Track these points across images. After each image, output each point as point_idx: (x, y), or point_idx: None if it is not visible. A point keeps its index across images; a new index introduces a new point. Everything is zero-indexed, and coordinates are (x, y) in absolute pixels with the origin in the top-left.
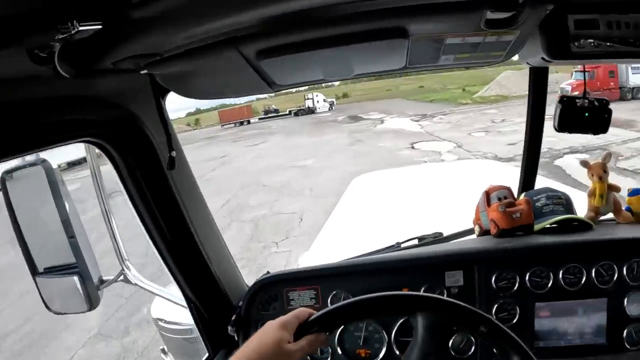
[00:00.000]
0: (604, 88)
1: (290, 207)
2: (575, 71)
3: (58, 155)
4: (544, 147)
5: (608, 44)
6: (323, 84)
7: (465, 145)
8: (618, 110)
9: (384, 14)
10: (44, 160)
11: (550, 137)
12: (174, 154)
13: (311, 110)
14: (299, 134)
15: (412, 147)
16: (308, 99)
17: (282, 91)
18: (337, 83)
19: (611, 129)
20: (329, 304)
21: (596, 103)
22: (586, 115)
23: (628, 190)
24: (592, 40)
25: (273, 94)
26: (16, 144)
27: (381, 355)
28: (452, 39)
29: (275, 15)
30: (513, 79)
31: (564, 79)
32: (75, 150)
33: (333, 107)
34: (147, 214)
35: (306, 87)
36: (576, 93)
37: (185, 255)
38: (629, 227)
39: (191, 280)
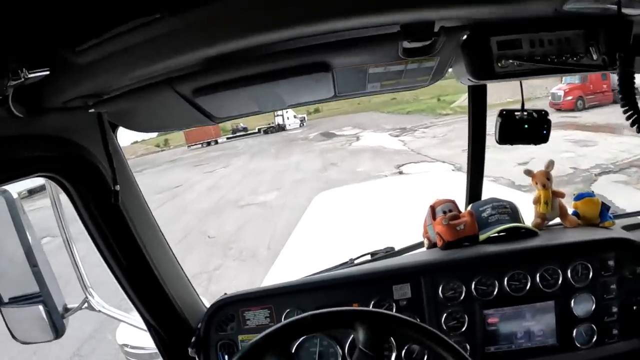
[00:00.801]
0: (597, 91)
1: (235, 282)
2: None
3: (19, 183)
4: (569, 168)
5: (531, 62)
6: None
7: (465, 167)
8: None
9: (307, 51)
10: (4, 191)
11: (568, 153)
12: (117, 188)
13: (281, 128)
14: (265, 155)
15: (400, 172)
16: (278, 115)
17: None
18: None
19: (617, 138)
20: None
21: (535, 114)
22: (525, 127)
23: (574, 194)
24: (514, 60)
25: None
26: None
27: None
28: (374, 69)
29: (208, 56)
30: (491, 86)
31: (555, 84)
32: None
33: (304, 124)
34: (102, 242)
35: None
36: (569, 98)
37: (141, 281)
38: (575, 230)
39: (149, 305)
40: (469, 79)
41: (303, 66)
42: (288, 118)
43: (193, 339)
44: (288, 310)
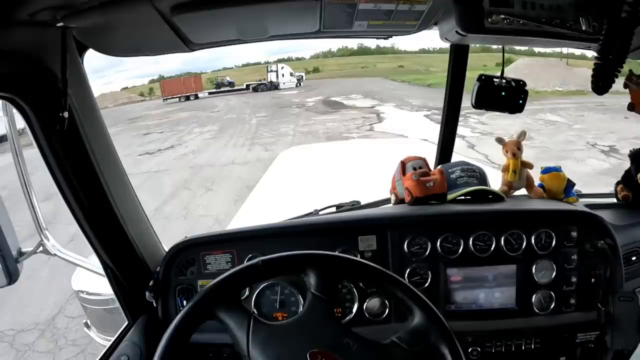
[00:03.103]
0: None
1: None
2: None
3: None
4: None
5: (521, 21)
6: (294, 57)
7: None
8: None
9: None
10: None
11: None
12: (66, 114)
13: (274, 86)
14: (241, 130)
15: None
16: (271, 71)
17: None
18: (307, 56)
19: None
20: None
21: (513, 83)
22: (502, 94)
23: (541, 168)
24: (505, 17)
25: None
26: None
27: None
28: (364, 5)
29: None
30: (536, 69)
31: None
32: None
33: (301, 83)
34: (61, 176)
35: (274, 59)
36: None
37: (101, 220)
38: (540, 201)
39: (108, 246)
40: (456, 32)
41: None
42: (283, 75)
43: (151, 283)
44: (250, 255)
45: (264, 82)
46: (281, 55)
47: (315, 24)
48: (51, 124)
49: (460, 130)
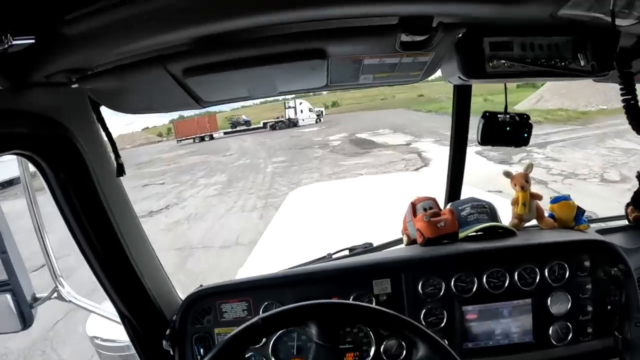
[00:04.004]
0: None
1: None
2: None
3: None
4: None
5: (521, 64)
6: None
7: None
8: None
9: (304, 37)
10: None
11: None
12: (120, 161)
13: (293, 123)
14: (253, 179)
15: None
16: (289, 107)
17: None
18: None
19: None
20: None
21: (517, 118)
22: (507, 130)
23: (550, 198)
24: (505, 61)
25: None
26: None
27: None
28: (369, 60)
29: (201, 35)
30: (573, 86)
31: None
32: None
33: (321, 119)
34: (78, 228)
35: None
36: None
37: (117, 270)
38: (551, 232)
39: (124, 295)
40: (459, 77)
41: (299, 52)
42: (302, 111)
43: (168, 332)
44: (267, 303)
45: (281, 119)
46: None
47: (322, 80)
48: (67, 178)
49: (535, 171)
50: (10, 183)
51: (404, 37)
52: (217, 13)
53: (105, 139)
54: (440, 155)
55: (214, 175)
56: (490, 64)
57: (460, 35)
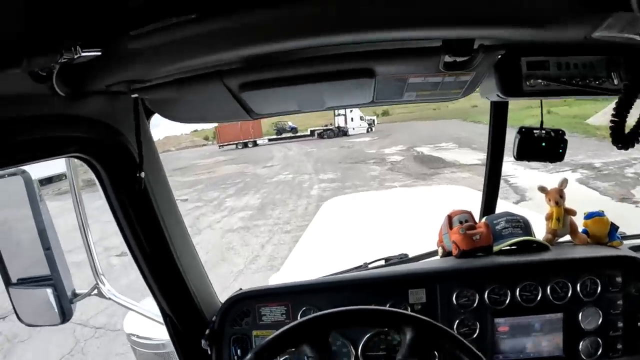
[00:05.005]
0: None
1: None
2: None
3: (36, 168)
4: None
5: (557, 83)
6: None
7: None
8: None
9: (353, 57)
10: (23, 171)
11: None
12: (142, 174)
13: (342, 132)
14: (294, 205)
15: None
16: (339, 115)
17: None
18: None
19: None
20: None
21: (552, 133)
22: (543, 145)
23: (584, 213)
24: (542, 80)
25: None
26: (7, 156)
27: None
28: (414, 79)
29: (257, 54)
30: None
31: None
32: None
33: (372, 128)
34: (128, 228)
35: None
36: None
37: (163, 269)
38: (584, 247)
39: (168, 294)
40: (497, 95)
41: (349, 71)
42: (352, 119)
43: (207, 332)
44: (304, 308)
45: (330, 127)
46: None
47: (369, 96)
48: (121, 181)
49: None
50: (49, 180)
51: (447, 58)
52: (274, 35)
53: (154, 145)
54: (530, 181)
55: (246, 195)
56: (527, 83)
57: (499, 56)
